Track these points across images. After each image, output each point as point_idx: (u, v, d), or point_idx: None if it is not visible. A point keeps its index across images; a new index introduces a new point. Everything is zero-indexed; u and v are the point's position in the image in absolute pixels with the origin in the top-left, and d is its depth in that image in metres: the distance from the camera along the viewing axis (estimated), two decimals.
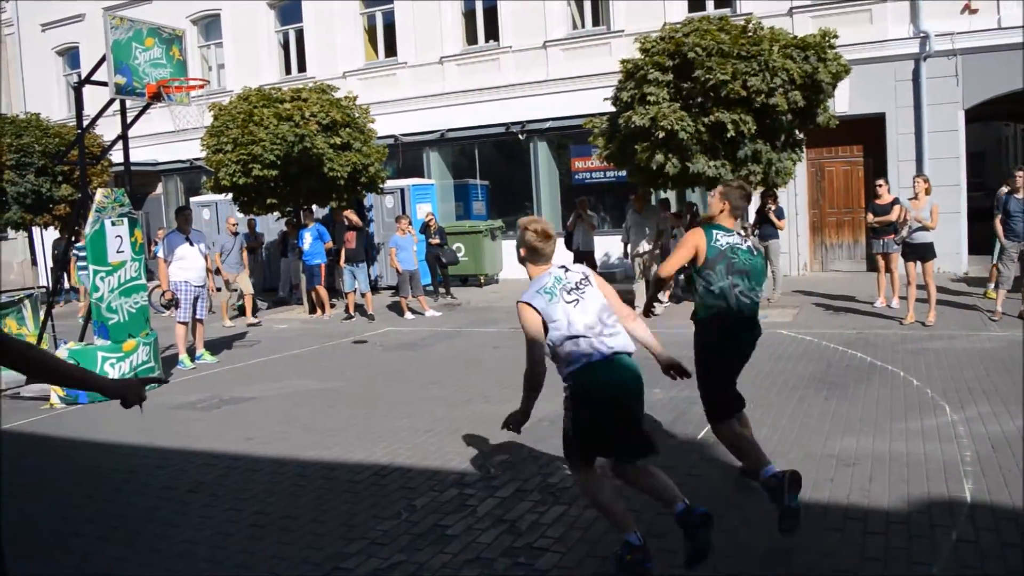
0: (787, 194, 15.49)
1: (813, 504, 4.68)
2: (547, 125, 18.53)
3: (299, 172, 14.22)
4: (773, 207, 13.10)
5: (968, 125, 15.64)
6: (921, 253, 10.36)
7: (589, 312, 3.92)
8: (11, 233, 18.16)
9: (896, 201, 11.34)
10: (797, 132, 11.75)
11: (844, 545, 4.14)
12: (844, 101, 14.90)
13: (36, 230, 19.68)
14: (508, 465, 5.73)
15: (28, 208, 18.05)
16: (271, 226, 18.76)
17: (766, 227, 13.15)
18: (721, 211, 4.88)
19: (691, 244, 4.76)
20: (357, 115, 15.40)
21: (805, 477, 5.04)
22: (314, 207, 15.79)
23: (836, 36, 11.34)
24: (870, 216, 11.69)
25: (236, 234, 15.12)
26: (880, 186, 11.67)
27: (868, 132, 15.92)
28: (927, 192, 10.37)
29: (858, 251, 16.64)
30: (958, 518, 4.40)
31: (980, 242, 14.81)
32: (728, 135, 10.78)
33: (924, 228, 10.19)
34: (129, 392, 2.69)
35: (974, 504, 4.58)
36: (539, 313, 3.96)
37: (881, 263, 11.89)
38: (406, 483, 5.50)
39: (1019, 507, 4.49)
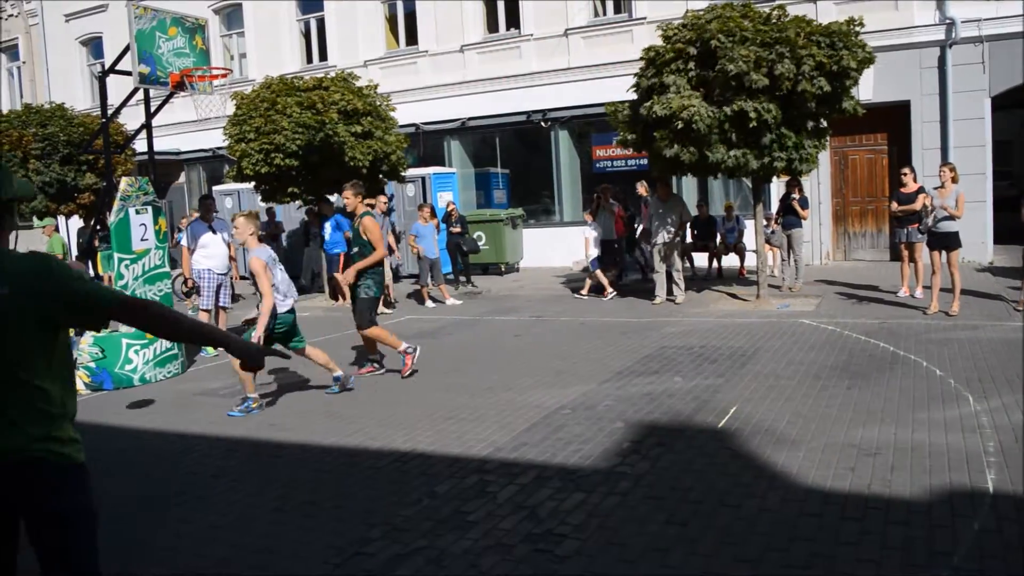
0: (810, 183, 15.39)
1: (834, 493, 4.68)
2: (568, 113, 18.48)
3: (320, 161, 14.27)
4: (797, 196, 13.01)
5: (994, 113, 15.44)
6: (946, 242, 10.27)
7: None
8: (36, 221, 18.27)
9: (921, 190, 11.24)
10: (822, 120, 11.66)
11: (865, 535, 4.13)
12: (868, 89, 14.76)
13: (61, 219, 19.86)
14: (528, 452, 5.74)
15: (53, 197, 18.22)
16: (293, 215, 18.86)
17: (789, 216, 13.07)
18: None
19: None
20: (378, 103, 15.43)
21: (827, 467, 5.07)
22: (334, 196, 15.85)
23: (862, 24, 11.22)
24: (894, 205, 11.59)
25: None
26: (905, 174, 11.56)
27: (893, 120, 15.77)
28: (954, 180, 10.26)
29: (881, 240, 16.51)
30: (980, 509, 4.38)
31: (1005, 232, 14.65)
32: (751, 124, 10.71)
33: (950, 217, 10.10)
34: (253, 356, 2.85)
35: (996, 495, 4.55)
36: None
37: (905, 252, 11.79)
38: (427, 469, 5.53)
39: None
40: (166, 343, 9.43)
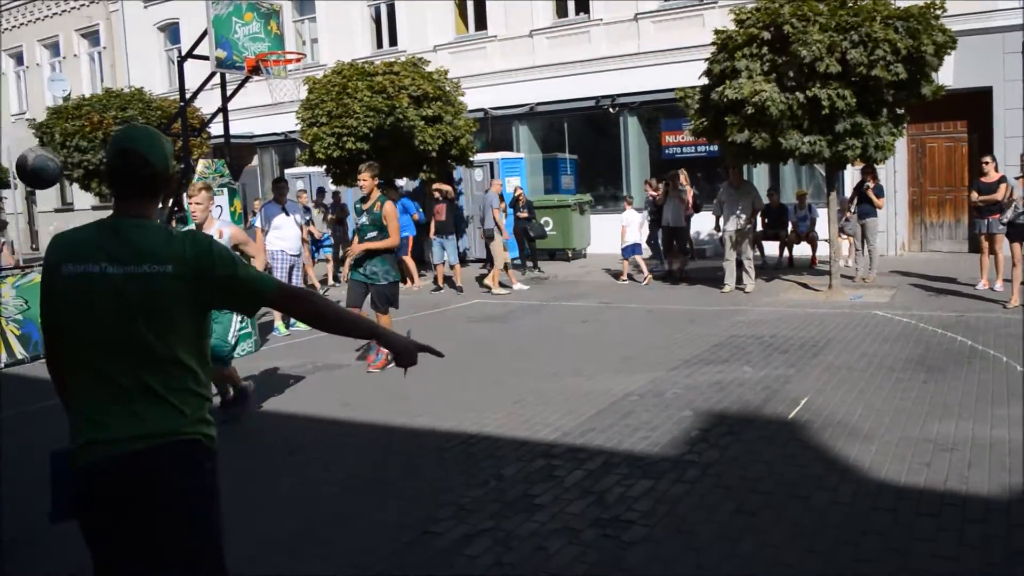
0: (886, 171, 15.00)
1: (908, 488, 4.59)
2: (638, 98, 18.31)
3: (390, 144, 14.42)
4: (872, 184, 12.71)
5: None
6: None
7: None
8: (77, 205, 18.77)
9: (1003, 179, 10.87)
10: (898, 107, 11.35)
11: (940, 531, 4.05)
12: (948, 74, 14.27)
13: None
14: (596, 437, 5.75)
15: None
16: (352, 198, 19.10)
17: (864, 205, 12.78)
18: None
19: None
20: (447, 88, 15.52)
21: (901, 460, 4.97)
22: (402, 180, 16.02)
23: (942, 8, 10.88)
24: (974, 195, 11.23)
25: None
26: (986, 163, 11.20)
27: (973, 107, 15.26)
28: None
29: (960, 231, 16.03)
30: None
31: None
32: (824, 111, 10.49)
33: None
34: (407, 353, 2.79)
35: None
36: None
37: (985, 244, 11.43)
38: (494, 452, 5.58)
39: None
40: (241, 321, 9.70)
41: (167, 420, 2.36)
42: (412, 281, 15.05)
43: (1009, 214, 10.10)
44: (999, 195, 10.65)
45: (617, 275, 14.67)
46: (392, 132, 14.23)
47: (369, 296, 8.26)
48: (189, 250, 2.41)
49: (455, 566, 3.97)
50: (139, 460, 2.32)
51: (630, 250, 14.23)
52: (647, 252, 14.96)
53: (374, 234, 8.11)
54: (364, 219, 8.16)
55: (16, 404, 7.75)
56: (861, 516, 4.26)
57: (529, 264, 16.22)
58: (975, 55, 14.60)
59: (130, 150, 2.44)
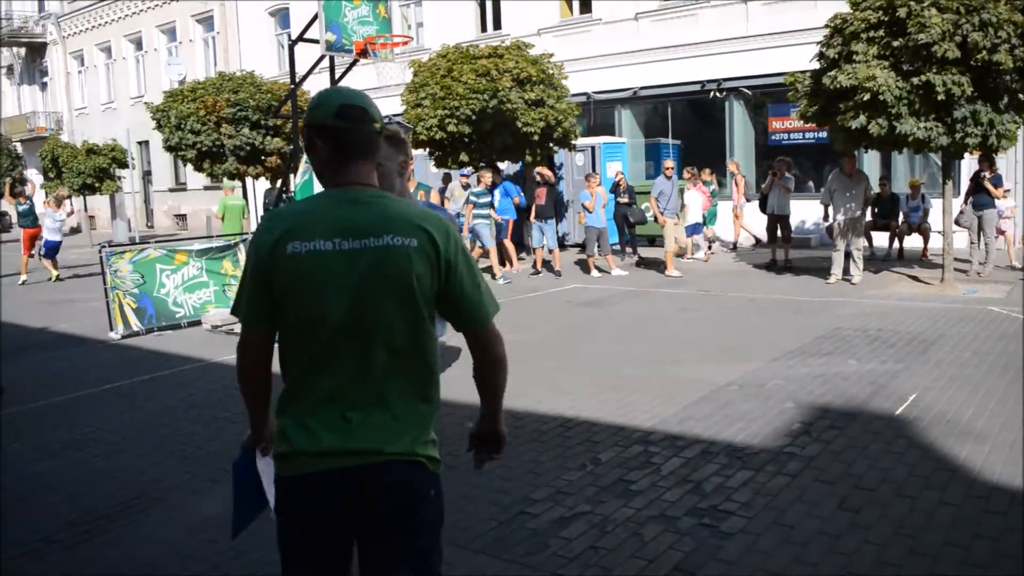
0: (1006, 161, 14.32)
1: (1022, 493, 4.41)
2: (744, 83, 17.92)
3: (493, 127, 14.51)
4: (989, 174, 12.16)
5: None
6: None
7: None
8: (225, 182, 19.39)
9: None
10: (1021, 94, 10.80)
11: None
12: None
13: (249, 180, 21.10)
14: (694, 426, 5.70)
15: (243, 160, 19.40)
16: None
17: (981, 195, 12.26)
18: None
19: None
20: (551, 71, 15.51)
21: (1015, 463, 4.79)
22: (503, 163, 16.08)
23: None
24: None
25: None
26: None
27: None
28: None
29: None
30: None
31: None
32: (939, 98, 10.06)
33: None
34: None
35: None
36: None
37: None
38: (591, 436, 5.59)
39: None
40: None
41: (396, 438, 2.13)
42: (512, 265, 15.14)
43: None
44: None
45: (682, 254, 15.01)
46: (495, 115, 14.31)
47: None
48: (434, 227, 2.15)
49: (550, 547, 4.00)
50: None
51: (691, 229, 14.71)
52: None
53: None
54: None
55: (131, 374, 8.15)
56: (971, 519, 4.11)
57: (628, 250, 16.12)
58: None
59: (356, 107, 2.18)
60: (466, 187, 15.00)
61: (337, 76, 11.69)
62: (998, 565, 3.65)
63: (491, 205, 14.32)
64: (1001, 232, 13.09)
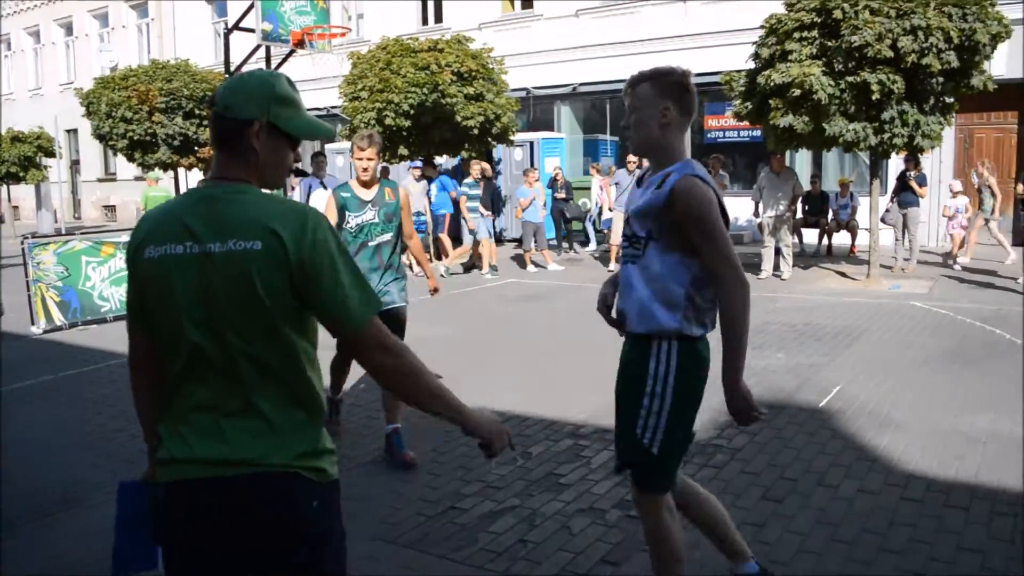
0: (930, 161, 14.75)
1: (938, 480, 4.56)
2: None
3: (432, 121, 14.46)
4: (914, 173, 12.51)
5: None
6: None
7: None
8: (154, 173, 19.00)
9: None
10: (947, 96, 11.14)
11: (969, 524, 4.02)
12: (1001, 64, 13.98)
13: (182, 171, 20.71)
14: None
15: (176, 150, 19.01)
16: (401, 175, 19.16)
17: (906, 194, 12.60)
18: None
19: None
20: (491, 66, 15.50)
21: (931, 452, 4.94)
22: (441, 158, 16.02)
23: None
24: (1020, 187, 11.02)
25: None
26: None
27: None
28: None
29: (1005, 224, 15.71)
30: None
31: None
32: (874, 97, 10.33)
33: None
34: (500, 438, 2.25)
35: None
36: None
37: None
38: (523, 431, 5.61)
39: None
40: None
41: (264, 446, 1.95)
42: (447, 258, 15.10)
43: None
44: None
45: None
46: (433, 109, 14.26)
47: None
48: (290, 223, 1.93)
49: (479, 541, 4.01)
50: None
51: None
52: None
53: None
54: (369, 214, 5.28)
55: (54, 369, 7.94)
56: (888, 507, 4.23)
57: (565, 245, 16.20)
58: None
59: (212, 97, 2.03)
60: (420, 179, 14.86)
61: (274, 66, 11.54)
62: (914, 551, 3.76)
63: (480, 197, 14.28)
64: (963, 227, 13.35)
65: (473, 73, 14.76)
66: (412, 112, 14.18)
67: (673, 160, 2.84)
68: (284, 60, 11.80)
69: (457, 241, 16.20)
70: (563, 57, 19.59)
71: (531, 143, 17.98)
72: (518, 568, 3.76)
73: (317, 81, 16.71)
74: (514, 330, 9.24)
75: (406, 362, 2.03)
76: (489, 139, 15.63)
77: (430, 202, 14.96)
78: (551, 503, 4.41)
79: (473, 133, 14.86)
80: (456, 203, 15.21)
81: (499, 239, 16.90)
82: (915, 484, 4.52)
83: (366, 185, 5.26)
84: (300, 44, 11.10)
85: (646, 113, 2.85)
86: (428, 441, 5.47)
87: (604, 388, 6.43)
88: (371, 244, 5.21)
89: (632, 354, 3.00)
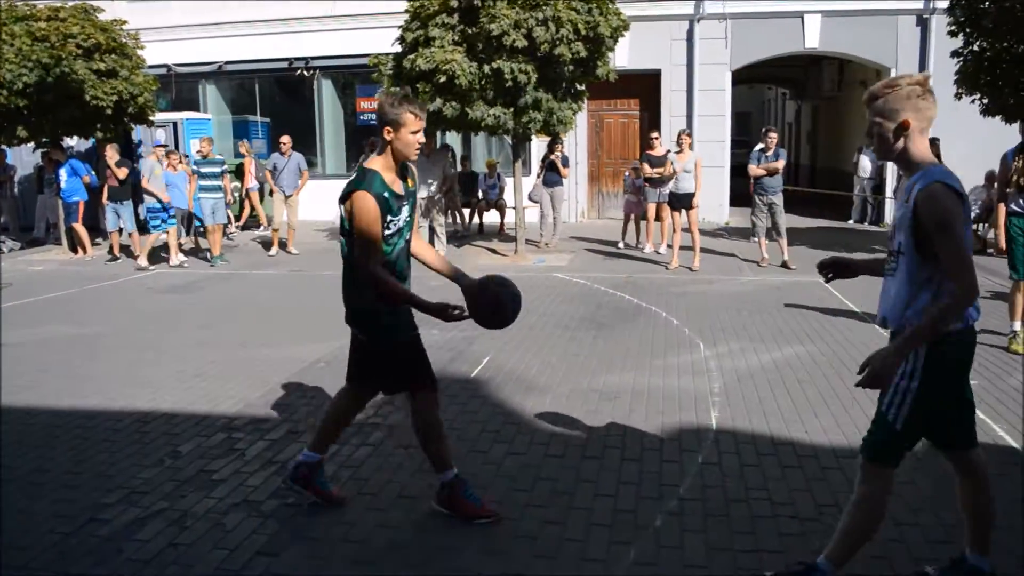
0: (568, 144, 15.96)
1: (576, 436, 4.93)
2: (332, 63, 17.99)
3: (56, 100, 13.05)
4: (560, 154, 13.42)
5: (736, 87, 16.70)
6: (686, 203, 11.06)
7: None
8: None
9: (668, 153, 11.94)
10: (578, 84, 12.08)
11: (603, 471, 4.39)
12: (624, 56, 15.45)
13: None
14: (280, 407, 5.61)
15: None
16: (25, 159, 17.18)
17: (551, 174, 13.49)
18: None
19: None
20: (124, 40, 14.29)
21: (571, 411, 5.33)
22: (70, 140, 14.57)
23: None
24: (645, 167, 12.21)
25: None
26: (655, 138, 12.23)
27: (645, 87, 16.65)
28: (690, 147, 11.18)
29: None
30: (704, 443, 4.78)
31: (742, 195, 15.96)
32: (507, 84, 10.91)
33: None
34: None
35: (719, 430, 4.98)
36: None
37: (651, 211, 12.52)
38: (171, 429, 5.26)
39: (758, 432, 4.93)
40: None
41: None
42: (85, 251, 13.80)
43: (670, 186, 11.17)
44: (669, 169, 11.68)
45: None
46: (57, 86, 12.85)
47: None
48: None
49: (124, 552, 3.69)
50: None
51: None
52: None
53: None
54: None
55: None
56: (534, 464, 4.51)
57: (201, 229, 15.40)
58: (648, 40, 15.93)
59: None
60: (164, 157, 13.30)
61: None
62: (555, 502, 4.03)
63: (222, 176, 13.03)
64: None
65: (103, 47, 13.52)
66: (29, 90, 12.67)
67: (913, 170, 2.90)
68: None
69: (94, 232, 14.85)
70: (207, 33, 18.57)
71: (175, 123, 16.90)
72: (170, 573, 3.51)
73: None
74: (164, 324, 8.59)
75: None
76: (126, 119, 14.42)
77: (59, 188, 13.56)
78: (203, 501, 4.17)
79: (107, 113, 13.62)
80: (90, 189, 13.90)
81: (143, 227, 15.72)
82: (557, 441, 4.86)
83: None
84: None
85: (883, 127, 2.91)
86: (62, 450, 4.94)
87: (259, 377, 6.26)
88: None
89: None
